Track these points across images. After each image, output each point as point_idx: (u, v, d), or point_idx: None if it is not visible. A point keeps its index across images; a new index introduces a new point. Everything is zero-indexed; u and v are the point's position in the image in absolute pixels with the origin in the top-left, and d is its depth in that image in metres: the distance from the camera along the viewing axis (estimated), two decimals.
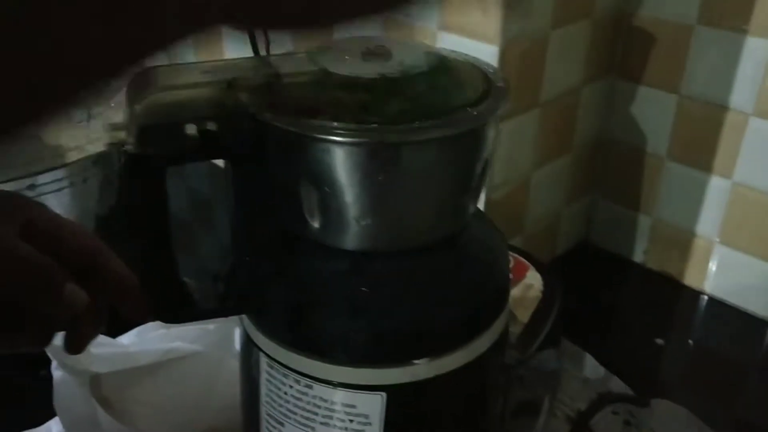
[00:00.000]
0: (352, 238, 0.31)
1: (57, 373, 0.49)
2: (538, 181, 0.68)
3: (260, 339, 0.33)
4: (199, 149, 0.29)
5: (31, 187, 0.51)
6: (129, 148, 0.28)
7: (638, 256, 0.76)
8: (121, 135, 0.28)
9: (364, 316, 0.31)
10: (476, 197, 0.33)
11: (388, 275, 0.31)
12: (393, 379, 0.32)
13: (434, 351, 0.32)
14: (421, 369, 0.32)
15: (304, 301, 0.32)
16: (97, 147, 0.55)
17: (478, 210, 0.36)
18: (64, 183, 0.52)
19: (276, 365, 0.33)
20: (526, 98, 0.62)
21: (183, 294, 0.33)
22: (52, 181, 0.51)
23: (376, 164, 0.28)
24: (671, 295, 0.74)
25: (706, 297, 0.72)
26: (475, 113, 0.29)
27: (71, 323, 0.38)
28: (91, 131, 0.54)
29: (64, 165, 0.52)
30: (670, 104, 0.68)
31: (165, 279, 0.32)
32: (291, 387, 0.33)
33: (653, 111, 0.69)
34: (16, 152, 0.49)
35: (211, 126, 0.29)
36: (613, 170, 0.75)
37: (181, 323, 0.38)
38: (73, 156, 0.53)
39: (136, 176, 0.29)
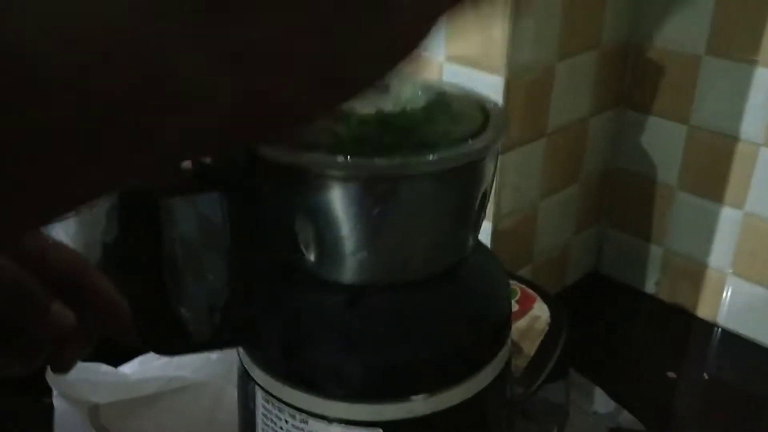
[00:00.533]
0: (348, 271, 0.30)
1: (58, 402, 0.49)
2: (546, 210, 0.68)
3: (256, 372, 0.33)
4: (193, 182, 0.29)
5: None
6: None
7: (649, 287, 0.75)
8: None
9: (360, 351, 0.31)
10: (476, 230, 0.32)
11: (384, 309, 0.31)
12: (390, 415, 0.31)
13: (432, 387, 0.31)
14: (418, 405, 0.31)
15: (298, 334, 0.31)
16: None
17: (479, 242, 0.35)
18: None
19: (271, 399, 0.32)
20: (533, 128, 0.61)
21: (177, 325, 0.33)
22: None
23: (372, 198, 0.28)
24: (684, 327, 0.73)
25: (719, 329, 0.71)
26: (472, 146, 0.28)
27: (57, 345, 0.37)
28: None
29: None
30: (679, 134, 0.67)
31: (159, 310, 0.32)
32: (286, 422, 0.32)
33: (663, 141, 0.69)
34: None
35: (205, 159, 0.29)
36: (623, 200, 0.74)
37: (175, 355, 0.37)
38: None
39: (128, 209, 0.29)
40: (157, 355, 0.53)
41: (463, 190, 0.30)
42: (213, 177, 0.29)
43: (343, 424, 0.31)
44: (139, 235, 0.30)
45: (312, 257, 0.30)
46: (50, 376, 0.48)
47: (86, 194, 0.18)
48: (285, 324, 0.32)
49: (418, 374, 0.31)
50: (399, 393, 0.31)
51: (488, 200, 0.32)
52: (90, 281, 0.36)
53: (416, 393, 0.31)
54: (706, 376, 0.67)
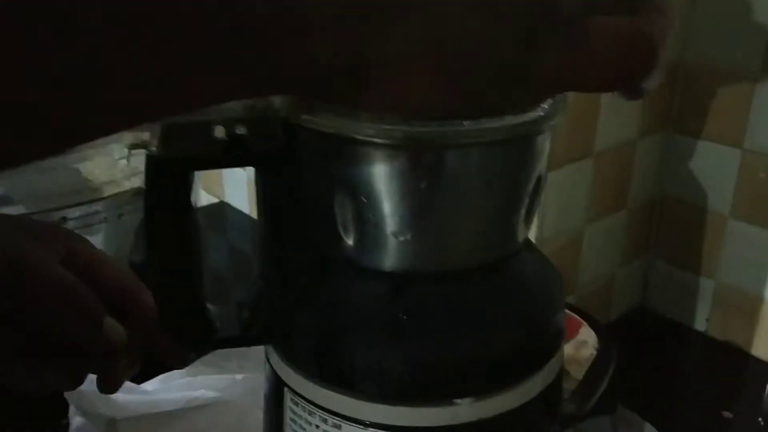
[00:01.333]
0: (389, 256, 0.28)
1: (76, 419, 0.46)
2: (591, 237, 0.64)
3: (285, 371, 0.30)
4: (227, 154, 0.27)
5: (63, 220, 0.49)
6: (152, 150, 0.26)
7: (700, 324, 0.71)
8: (145, 136, 0.26)
9: (401, 346, 0.28)
10: (528, 219, 0.30)
11: (429, 300, 0.28)
12: (431, 420, 0.28)
13: (479, 390, 0.28)
14: (463, 410, 0.28)
15: (333, 327, 0.29)
16: (134, 183, 0.53)
17: (531, 242, 0.33)
18: (98, 218, 0.51)
19: (301, 401, 0.30)
20: (579, 147, 0.59)
21: (204, 319, 0.31)
22: (85, 215, 0.50)
23: (418, 170, 0.25)
24: (738, 365, 0.68)
25: None
26: (526, 117, 0.26)
27: (106, 361, 0.36)
28: (130, 166, 0.53)
29: (100, 199, 0.51)
30: (732, 159, 0.64)
31: (186, 300, 0.30)
32: (317, 427, 0.29)
33: (714, 166, 0.65)
34: (49, 182, 0.48)
35: (241, 130, 0.27)
36: (672, 230, 0.71)
37: (200, 350, 0.35)
38: (108, 190, 0.52)
39: (158, 180, 0.27)
40: (180, 374, 0.51)
41: (516, 167, 0.27)
42: (248, 150, 0.27)
43: (379, 429, 0.28)
44: (167, 210, 0.28)
45: (351, 241, 0.28)
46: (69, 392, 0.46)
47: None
48: (320, 316, 0.29)
49: (466, 373, 0.28)
50: (443, 394, 0.28)
51: (543, 187, 0.30)
52: (141, 299, 0.36)
53: (462, 396, 0.28)
54: (761, 421, 0.62)
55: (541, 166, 0.28)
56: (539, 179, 0.29)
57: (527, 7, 0.20)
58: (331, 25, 0.19)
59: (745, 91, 0.61)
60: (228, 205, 0.97)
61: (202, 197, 1.03)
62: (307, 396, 0.29)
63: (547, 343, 0.31)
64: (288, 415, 0.31)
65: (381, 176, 0.26)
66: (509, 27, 0.20)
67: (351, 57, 0.20)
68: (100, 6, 0.16)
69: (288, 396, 0.30)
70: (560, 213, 0.60)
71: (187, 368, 0.50)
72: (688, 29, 0.63)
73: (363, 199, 0.26)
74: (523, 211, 0.29)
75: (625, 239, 0.69)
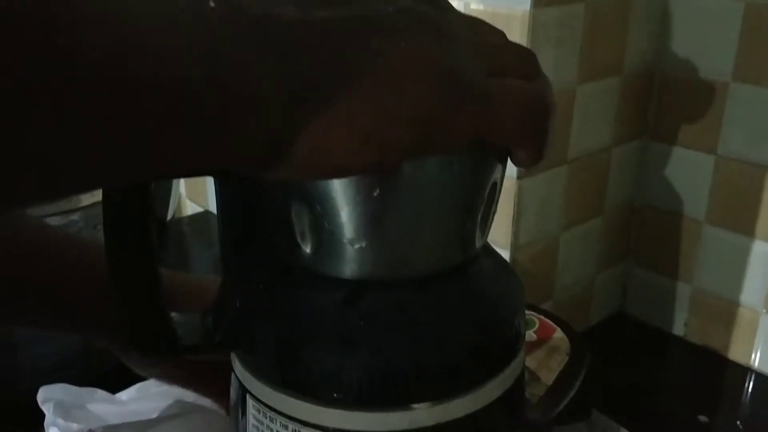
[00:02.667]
0: (346, 264, 0.28)
1: (51, 429, 0.46)
2: (567, 243, 0.65)
3: (247, 378, 0.30)
4: None
5: None
6: None
7: (678, 329, 0.72)
8: None
9: (359, 352, 0.28)
10: (485, 226, 0.30)
11: (386, 306, 0.29)
12: (390, 425, 0.28)
13: (436, 395, 0.28)
14: (420, 414, 0.28)
15: (292, 334, 0.29)
16: None
17: (490, 247, 0.33)
18: (75, 227, 0.51)
19: (263, 408, 0.30)
20: (553, 154, 0.59)
21: (167, 327, 0.31)
22: (63, 224, 0.50)
23: (371, 179, 0.26)
24: (715, 370, 0.68)
25: (753, 373, 0.67)
26: None
27: None
28: None
29: (77, 209, 0.51)
30: (707, 165, 0.65)
31: (148, 308, 0.30)
32: None
33: (689, 173, 0.66)
34: None
35: None
36: (649, 236, 0.71)
37: (163, 357, 0.35)
38: (85, 200, 0.52)
39: (119, 206, 0.28)
40: (156, 383, 0.51)
41: (469, 175, 0.28)
42: None
43: None
44: (126, 215, 0.28)
45: (308, 249, 0.28)
46: (41, 398, 0.46)
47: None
48: (278, 324, 0.30)
49: (422, 379, 0.28)
50: (401, 399, 0.28)
51: (499, 193, 0.30)
52: None
53: (419, 400, 0.28)
54: (739, 423, 0.62)
55: (496, 173, 0.29)
56: (494, 186, 0.29)
57: (440, 73, 0.23)
58: (260, 107, 0.20)
59: (717, 99, 0.62)
60: (212, 214, 0.97)
61: (188, 206, 1.03)
62: (268, 403, 0.30)
63: (505, 347, 0.31)
64: (251, 421, 0.31)
65: (335, 185, 0.26)
66: (425, 90, 0.22)
67: (273, 134, 0.21)
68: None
69: (250, 403, 0.31)
70: (536, 220, 0.61)
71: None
72: (663, 38, 0.64)
73: (318, 207, 0.27)
74: (479, 218, 0.29)
75: (602, 245, 0.69)
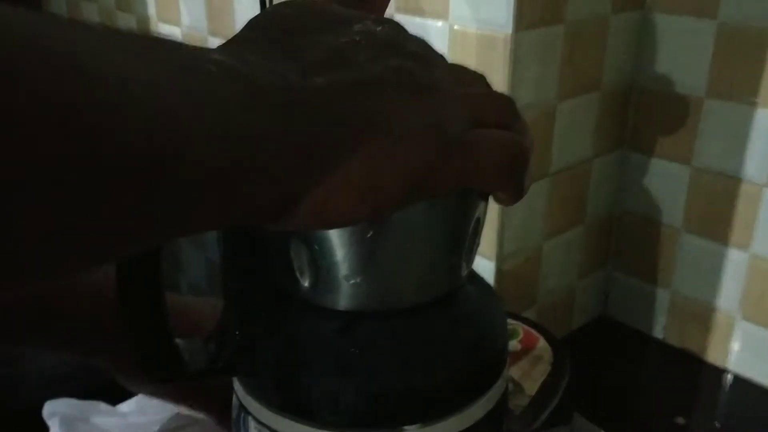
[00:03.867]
0: (342, 297, 0.30)
1: None
2: (550, 252, 0.67)
3: (249, 402, 0.32)
4: None
5: None
6: None
7: (657, 332, 0.74)
8: None
9: (353, 378, 0.30)
10: (470, 257, 0.32)
11: (378, 336, 0.31)
12: None
13: (426, 416, 0.31)
14: None
15: (292, 361, 0.31)
16: None
17: (475, 273, 0.35)
18: None
19: (264, 429, 0.32)
20: (535, 168, 0.62)
21: (173, 354, 0.33)
22: None
23: (364, 222, 0.28)
24: (693, 372, 0.71)
25: (730, 375, 0.69)
26: None
27: None
28: None
29: None
30: (683, 176, 0.67)
31: (155, 336, 0.32)
32: None
33: (667, 183, 0.69)
34: None
35: None
36: (629, 243, 0.74)
37: (169, 382, 0.37)
38: None
39: None
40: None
41: (456, 215, 0.30)
42: None
43: None
44: (138, 263, 0.30)
45: (306, 283, 0.31)
46: (46, 413, 0.48)
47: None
48: (279, 351, 0.32)
49: (412, 402, 0.31)
50: (392, 422, 0.30)
51: (482, 227, 0.32)
52: None
53: (410, 423, 0.30)
54: (717, 424, 0.65)
55: (479, 210, 0.31)
56: (478, 221, 0.31)
57: (427, 130, 0.25)
58: (271, 173, 0.22)
59: (692, 114, 0.65)
60: None
61: None
62: (268, 424, 0.32)
63: (489, 369, 0.33)
64: None
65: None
66: (415, 148, 0.24)
67: (283, 196, 0.23)
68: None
69: (252, 424, 0.33)
70: (520, 231, 0.63)
71: None
72: (640, 55, 0.66)
73: (316, 247, 0.29)
74: (463, 252, 0.32)
75: (584, 253, 0.72)
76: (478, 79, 0.30)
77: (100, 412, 0.49)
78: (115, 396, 0.53)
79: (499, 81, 0.55)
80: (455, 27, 0.58)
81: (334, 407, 0.30)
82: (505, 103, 0.29)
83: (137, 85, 0.19)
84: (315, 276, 0.30)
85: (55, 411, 0.46)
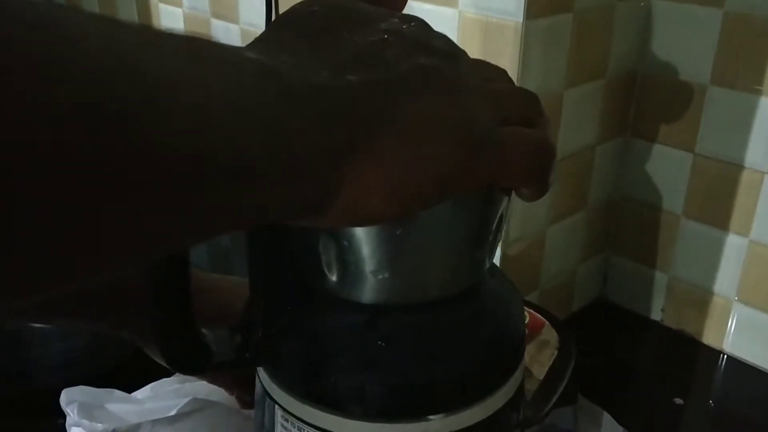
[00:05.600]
0: (368, 291, 0.31)
1: (74, 430, 0.49)
2: (553, 237, 0.68)
3: (275, 391, 0.33)
4: None
5: None
6: None
7: (655, 314, 0.76)
8: None
9: (379, 370, 0.31)
10: (492, 251, 0.33)
11: (403, 329, 0.32)
12: None
13: (449, 406, 0.32)
14: (435, 425, 0.32)
15: (319, 353, 0.32)
16: None
17: (493, 264, 0.36)
18: None
19: (291, 418, 0.33)
20: None
21: (200, 344, 0.34)
22: None
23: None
24: (689, 354, 0.73)
25: (725, 356, 0.71)
26: None
27: None
28: None
29: None
30: (685, 163, 0.68)
31: (183, 327, 0.33)
32: None
33: (668, 169, 0.70)
34: None
35: None
36: (629, 228, 0.75)
37: (196, 374, 0.38)
38: None
39: None
40: (169, 382, 0.54)
41: (481, 211, 0.30)
42: None
43: None
44: (162, 263, 0.31)
45: (334, 278, 0.31)
46: (64, 401, 0.49)
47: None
48: (306, 344, 0.32)
49: (436, 394, 0.32)
50: (417, 412, 0.31)
51: (504, 223, 0.33)
52: None
53: (434, 413, 0.31)
54: (711, 403, 0.67)
55: (503, 205, 0.32)
56: (501, 216, 0.32)
57: (457, 128, 0.25)
58: (310, 170, 0.23)
59: (696, 101, 0.65)
60: None
61: None
62: (295, 413, 0.33)
63: (509, 360, 0.34)
64: (278, 429, 0.34)
65: None
66: (444, 147, 0.25)
67: (319, 193, 0.23)
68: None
69: (278, 412, 0.34)
70: (524, 217, 0.64)
71: (175, 377, 0.53)
72: (645, 42, 0.67)
73: (345, 242, 0.30)
74: (487, 246, 0.32)
75: (585, 237, 0.73)
76: (501, 75, 0.30)
77: (115, 400, 0.50)
78: (122, 381, 0.54)
79: (507, 69, 0.56)
80: (465, 14, 0.58)
81: (360, 399, 0.31)
82: (531, 99, 0.29)
83: (180, 84, 0.19)
84: (342, 271, 0.31)
85: (72, 399, 0.47)
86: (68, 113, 0.16)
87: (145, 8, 1.01)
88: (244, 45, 0.25)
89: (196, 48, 0.21)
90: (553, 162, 0.29)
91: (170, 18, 0.97)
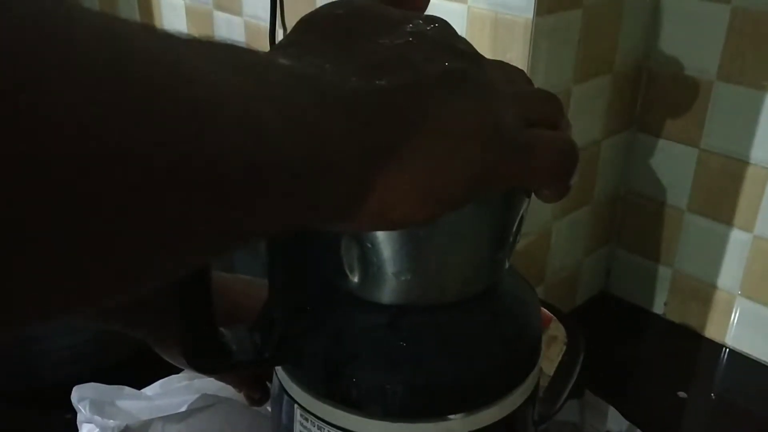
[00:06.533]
0: (389, 292, 0.31)
1: (85, 426, 0.49)
2: (558, 231, 0.69)
3: (295, 390, 0.33)
4: None
5: None
6: None
7: (658, 308, 0.76)
8: None
9: (400, 370, 0.31)
10: (511, 252, 0.33)
11: (424, 329, 0.32)
12: None
13: (470, 406, 0.32)
14: (456, 424, 0.32)
15: (340, 354, 0.32)
16: None
17: (512, 266, 0.36)
18: None
19: (311, 417, 0.33)
20: None
21: (219, 344, 0.34)
22: None
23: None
24: (692, 347, 0.73)
25: (727, 350, 0.72)
26: None
27: None
28: None
29: None
30: (690, 158, 0.68)
31: (203, 327, 0.33)
32: None
33: (673, 164, 0.70)
34: None
35: None
36: (633, 222, 0.75)
37: (216, 374, 0.38)
38: None
39: None
40: (178, 378, 0.54)
41: (503, 213, 0.31)
42: None
43: None
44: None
45: (356, 279, 0.31)
46: (75, 398, 0.49)
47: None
48: (327, 344, 0.33)
49: (457, 393, 0.32)
50: (438, 412, 0.31)
51: (523, 223, 0.33)
52: None
53: (454, 412, 0.32)
54: (713, 396, 0.67)
55: (524, 207, 0.32)
56: (522, 218, 0.32)
57: (486, 130, 0.25)
58: (344, 173, 0.23)
59: (702, 96, 0.66)
60: None
61: None
62: (315, 412, 0.33)
63: (527, 359, 0.35)
64: (297, 428, 0.34)
65: None
66: (475, 149, 0.25)
67: (351, 196, 0.23)
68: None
69: (298, 411, 0.34)
70: (530, 211, 0.64)
71: (184, 373, 0.53)
72: (651, 37, 0.67)
73: (368, 244, 0.30)
74: (508, 246, 0.32)
75: (590, 231, 0.73)
76: (520, 76, 0.30)
77: (125, 396, 0.50)
78: (129, 376, 0.54)
79: (517, 65, 0.56)
80: (473, 9, 0.58)
81: (381, 398, 0.31)
82: (553, 101, 0.29)
83: (225, 91, 0.19)
84: (364, 272, 0.31)
85: (83, 396, 0.47)
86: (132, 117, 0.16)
87: (146, 1, 1.00)
88: (247, 38, 0.25)
89: (234, 55, 0.21)
90: (577, 164, 0.29)
91: (171, 9, 0.97)
